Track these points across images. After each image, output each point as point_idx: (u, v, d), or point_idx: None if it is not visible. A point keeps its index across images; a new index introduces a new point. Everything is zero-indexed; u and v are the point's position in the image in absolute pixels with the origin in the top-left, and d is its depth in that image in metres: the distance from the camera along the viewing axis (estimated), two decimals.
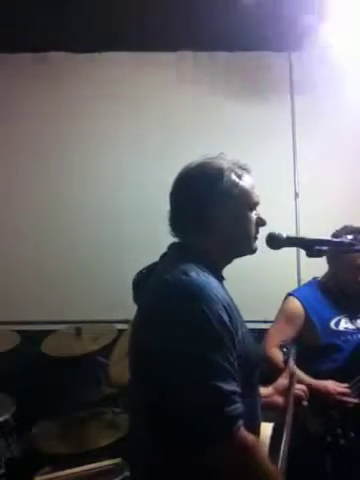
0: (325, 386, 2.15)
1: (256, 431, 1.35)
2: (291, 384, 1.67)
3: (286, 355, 1.89)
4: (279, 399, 1.64)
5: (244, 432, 1.19)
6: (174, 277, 1.26)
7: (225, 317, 1.22)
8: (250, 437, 1.20)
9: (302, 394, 1.70)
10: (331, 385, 2.16)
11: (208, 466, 1.18)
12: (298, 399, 1.68)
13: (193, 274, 1.26)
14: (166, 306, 1.24)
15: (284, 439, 1.48)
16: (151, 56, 3.41)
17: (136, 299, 1.44)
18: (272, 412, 1.58)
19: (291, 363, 1.82)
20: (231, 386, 1.18)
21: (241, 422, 1.18)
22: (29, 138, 3.46)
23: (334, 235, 2.21)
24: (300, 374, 2.04)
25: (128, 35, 3.15)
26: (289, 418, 1.56)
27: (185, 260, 1.32)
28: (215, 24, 3.00)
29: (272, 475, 1.23)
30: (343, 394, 2.15)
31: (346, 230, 2.20)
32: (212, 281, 1.28)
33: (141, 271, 1.45)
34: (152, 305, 1.30)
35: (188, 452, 1.19)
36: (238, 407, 1.19)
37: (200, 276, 1.26)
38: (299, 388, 1.70)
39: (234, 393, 1.19)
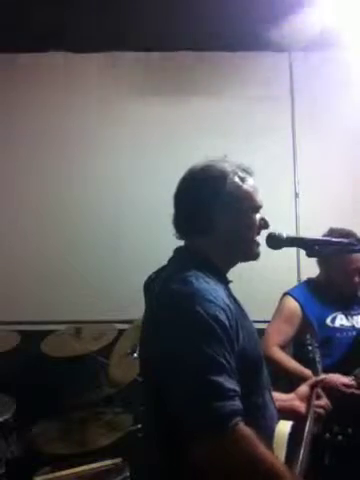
0: (329, 379, 2.11)
1: (267, 430, 1.34)
2: (314, 389, 1.65)
3: (311, 353, 1.89)
4: (297, 403, 1.62)
5: (242, 428, 1.17)
6: (176, 285, 1.29)
7: (222, 317, 1.23)
8: (247, 431, 1.18)
9: (322, 412, 1.66)
10: (335, 378, 2.15)
11: (204, 465, 1.17)
12: (318, 417, 1.64)
13: (193, 280, 1.28)
14: (166, 312, 1.28)
15: (303, 444, 1.47)
16: (151, 56, 3.42)
17: (145, 302, 1.46)
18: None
19: (318, 362, 1.82)
20: (226, 381, 1.18)
21: (238, 418, 1.17)
22: (30, 138, 3.45)
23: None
24: (303, 370, 2.06)
25: (129, 35, 3.15)
26: (310, 424, 1.54)
27: (188, 266, 1.34)
28: (215, 24, 3.00)
29: (271, 469, 1.19)
30: (348, 386, 2.15)
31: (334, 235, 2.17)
32: (212, 286, 1.30)
33: (150, 276, 1.47)
34: (155, 312, 1.34)
35: (186, 450, 1.18)
36: (233, 404, 1.17)
37: (200, 282, 1.28)
38: (320, 405, 1.65)
39: (229, 389, 1.18)
